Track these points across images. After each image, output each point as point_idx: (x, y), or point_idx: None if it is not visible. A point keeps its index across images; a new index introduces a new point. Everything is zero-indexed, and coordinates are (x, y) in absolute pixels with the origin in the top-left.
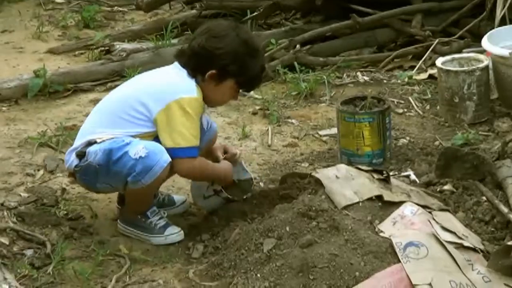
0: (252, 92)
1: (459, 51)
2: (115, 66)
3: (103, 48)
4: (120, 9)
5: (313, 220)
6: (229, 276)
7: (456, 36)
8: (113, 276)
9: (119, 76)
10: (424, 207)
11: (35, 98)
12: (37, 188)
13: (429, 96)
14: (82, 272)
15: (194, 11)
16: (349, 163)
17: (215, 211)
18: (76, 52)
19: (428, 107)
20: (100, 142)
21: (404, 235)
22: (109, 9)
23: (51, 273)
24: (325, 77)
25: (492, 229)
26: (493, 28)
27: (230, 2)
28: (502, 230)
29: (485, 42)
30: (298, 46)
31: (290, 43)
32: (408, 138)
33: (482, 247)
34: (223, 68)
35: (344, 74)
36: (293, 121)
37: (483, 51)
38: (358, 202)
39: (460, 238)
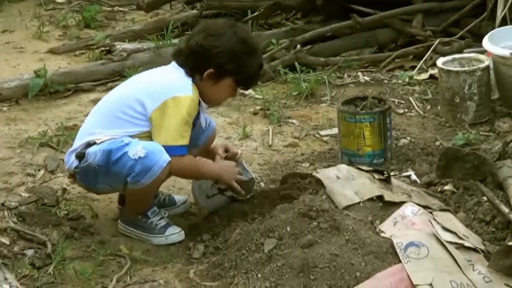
0: (253, 92)
1: (460, 51)
2: (116, 66)
3: (103, 48)
4: (121, 9)
5: (314, 220)
6: (229, 276)
7: (457, 36)
8: (113, 276)
9: (120, 76)
10: (425, 207)
11: (36, 98)
12: (37, 188)
13: (430, 96)
14: (82, 272)
15: (194, 11)
16: (350, 163)
17: (216, 212)
18: (77, 52)
19: (429, 107)
20: (99, 143)
21: (405, 235)
22: (109, 9)
23: (51, 273)
24: (325, 77)
25: (493, 230)
26: (494, 28)
27: (230, 2)
28: (503, 230)
29: (486, 42)
30: (298, 46)
31: (290, 43)
32: (409, 138)
33: (482, 247)
34: (221, 67)
35: (345, 74)
36: (294, 121)
37: (484, 51)
38: (359, 202)
39: (461, 238)
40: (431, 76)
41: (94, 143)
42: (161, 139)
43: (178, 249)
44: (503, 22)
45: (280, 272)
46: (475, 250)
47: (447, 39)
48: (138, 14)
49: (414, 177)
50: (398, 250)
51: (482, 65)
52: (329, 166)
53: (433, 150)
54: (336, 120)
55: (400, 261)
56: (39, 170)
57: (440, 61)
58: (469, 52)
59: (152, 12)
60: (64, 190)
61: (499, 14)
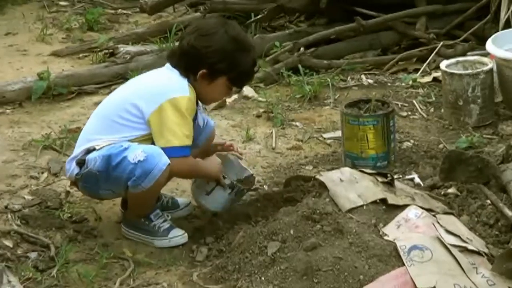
0: (256, 95)
1: (464, 54)
2: (119, 68)
3: (107, 51)
4: (124, 11)
5: (317, 223)
6: (233, 279)
7: (460, 39)
8: (117, 279)
9: (123, 78)
10: (428, 210)
11: (39, 101)
12: (41, 190)
13: (433, 99)
14: (86, 275)
15: (198, 14)
16: (353, 166)
17: (219, 214)
18: (80, 55)
19: (432, 110)
20: (99, 149)
21: (408, 238)
22: (113, 11)
23: (55, 276)
24: (329, 80)
25: (497, 233)
26: (497, 31)
27: (234, 4)
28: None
29: (489, 45)
30: (302, 48)
31: (294, 45)
32: (412, 141)
33: (486, 250)
34: (213, 67)
35: (348, 77)
36: (297, 124)
37: (487, 54)
38: (362, 205)
39: (464, 241)
40: (435, 79)
41: (94, 149)
42: (166, 141)
43: (181, 252)
44: (507, 25)
45: (283, 275)
46: (478, 253)
47: (450, 42)
48: (142, 16)
49: (417, 180)
50: (401, 253)
51: (485, 68)
52: (332, 169)
53: (436, 153)
54: (339, 122)
55: (403, 264)
56: (42, 172)
57: (443, 64)
58: (472, 55)
59: (156, 15)
60: (68, 193)
61: (503, 16)
